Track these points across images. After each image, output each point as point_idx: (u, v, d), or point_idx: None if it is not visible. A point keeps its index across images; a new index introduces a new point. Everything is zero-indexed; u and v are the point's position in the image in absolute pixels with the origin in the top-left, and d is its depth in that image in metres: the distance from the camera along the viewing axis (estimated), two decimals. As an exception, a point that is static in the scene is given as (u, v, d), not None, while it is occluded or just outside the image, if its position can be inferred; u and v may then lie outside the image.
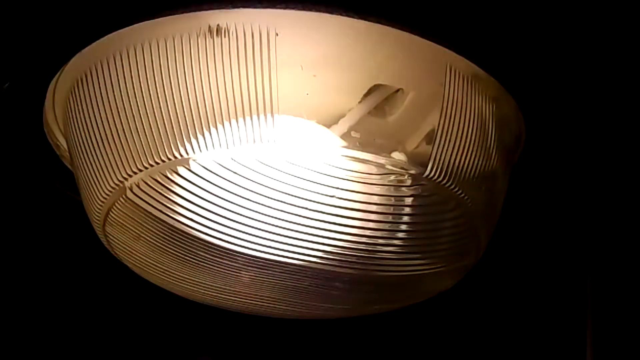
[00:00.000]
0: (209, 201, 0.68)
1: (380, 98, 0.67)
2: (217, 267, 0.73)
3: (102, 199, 0.70)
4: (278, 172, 0.66)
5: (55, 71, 0.70)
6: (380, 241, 0.70)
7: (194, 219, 0.69)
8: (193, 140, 0.64)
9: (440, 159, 0.67)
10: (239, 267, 0.73)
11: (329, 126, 0.66)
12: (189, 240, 0.71)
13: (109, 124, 0.67)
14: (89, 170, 0.69)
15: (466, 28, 0.64)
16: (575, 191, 0.86)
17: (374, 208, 0.69)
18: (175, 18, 0.64)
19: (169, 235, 0.71)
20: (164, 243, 0.72)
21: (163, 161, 0.65)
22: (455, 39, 0.65)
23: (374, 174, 0.67)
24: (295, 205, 0.68)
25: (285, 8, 0.63)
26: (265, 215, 0.68)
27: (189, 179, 0.66)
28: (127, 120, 0.66)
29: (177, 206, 0.68)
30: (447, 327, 1.01)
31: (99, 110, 0.67)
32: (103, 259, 0.80)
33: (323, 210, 0.68)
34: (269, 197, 0.67)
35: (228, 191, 0.67)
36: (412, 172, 0.67)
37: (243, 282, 0.75)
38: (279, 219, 0.68)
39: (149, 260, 0.75)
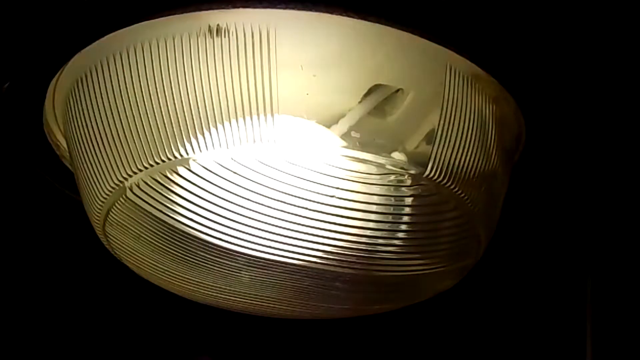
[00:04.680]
0: (209, 201, 0.68)
1: (380, 98, 0.67)
2: (217, 267, 0.73)
3: (102, 199, 0.70)
4: (278, 172, 0.66)
5: (55, 71, 0.70)
6: (380, 241, 0.70)
7: (194, 219, 0.69)
8: (193, 140, 0.64)
9: (440, 159, 0.67)
10: (239, 267, 0.73)
11: (329, 126, 0.66)
12: (189, 240, 0.71)
13: (109, 124, 0.67)
14: (89, 170, 0.69)
15: (466, 28, 0.64)
16: (575, 191, 0.86)
17: (374, 208, 0.69)
18: (175, 18, 0.64)
19: (169, 235, 0.71)
20: (164, 243, 0.72)
21: (163, 161, 0.65)
22: (455, 39, 0.65)
23: (374, 174, 0.67)
24: (295, 205, 0.68)
25: (285, 8, 0.63)
26: (265, 215, 0.68)
27: (189, 179, 0.66)
28: (127, 120, 0.66)
29: (177, 206, 0.68)
30: (447, 327, 1.01)
31: (99, 110, 0.67)
32: (103, 259, 0.80)
33: (323, 210, 0.68)
34: (269, 197, 0.67)
35: (228, 191, 0.67)
36: (412, 172, 0.67)
37: (243, 282, 0.75)
38: (279, 219, 0.68)
39: (149, 260, 0.75)
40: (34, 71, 0.70)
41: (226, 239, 0.70)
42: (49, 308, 1.01)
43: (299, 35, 0.64)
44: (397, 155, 0.67)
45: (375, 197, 0.68)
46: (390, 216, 0.69)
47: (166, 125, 0.65)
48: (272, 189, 0.67)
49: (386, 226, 0.70)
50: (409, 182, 0.68)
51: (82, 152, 0.70)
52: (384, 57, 0.65)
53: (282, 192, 0.67)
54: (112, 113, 0.66)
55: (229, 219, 0.68)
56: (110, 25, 0.65)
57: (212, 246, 0.71)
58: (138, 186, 0.68)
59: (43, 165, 0.79)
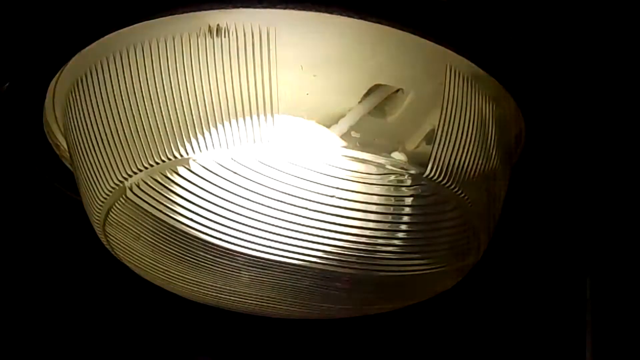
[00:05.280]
0: (209, 201, 0.68)
1: (380, 98, 0.67)
2: (217, 267, 0.73)
3: (102, 199, 0.70)
4: (278, 172, 0.66)
5: (55, 71, 0.70)
6: (380, 241, 0.70)
7: (194, 219, 0.69)
8: (193, 140, 0.64)
9: (440, 159, 0.67)
10: (239, 267, 0.73)
11: (329, 126, 0.66)
12: (189, 240, 0.71)
13: (109, 124, 0.67)
14: (89, 170, 0.69)
15: (466, 28, 0.64)
16: (575, 191, 0.86)
17: (374, 208, 0.69)
18: (175, 18, 0.64)
19: (169, 235, 0.71)
20: (164, 243, 0.72)
21: (163, 161, 0.65)
22: (455, 39, 0.65)
23: (374, 174, 0.67)
24: (295, 205, 0.68)
25: (285, 8, 0.63)
26: (265, 215, 0.68)
27: (189, 179, 0.66)
28: (127, 120, 0.66)
29: (177, 206, 0.68)
30: (447, 327, 1.01)
31: (99, 110, 0.67)
32: (103, 259, 0.80)
33: (323, 210, 0.68)
34: (269, 197, 0.67)
35: (228, 191, 0.67)
36: (412, 172, 0.67)
37: (243, 282, 0.75)
38: (279, 219, 0.68)
39: (149, 260, 0.75)
40: (34, 71, 0.70)
41: (226, 239, 0.70)
42: (49, 308, 1.01)
43: (299, 35, 0.64)
44: (397, 155, 0.67)
45: (375, 197, 0.68)
46: (390, 216, 0.69)
47: (166, 125, 0.65)
48: (272, 189, 0.67)
49: (386, 226, 0.70)
50: (409, 182, 0.68)
51: (82, 152, 0.70)
52: (384, 57, 0.65)
53: (282, 192, 0.67)
54: (112, 113, 0.66)
55: (229, 219, 0.68)
56: (110, 25, 0.65)
57: (212, 246, 0.71)
58: (138, 186, 0.68)
59: (43, 165, 0.79)
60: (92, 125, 0.68)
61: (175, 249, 0.72)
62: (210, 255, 0.72)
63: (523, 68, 0.67)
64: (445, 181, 0.67)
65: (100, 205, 0.70)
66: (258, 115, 0.64)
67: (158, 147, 0.65)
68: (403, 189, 0.68)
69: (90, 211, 0.72)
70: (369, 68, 0.65)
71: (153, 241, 0.72)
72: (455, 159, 0.67)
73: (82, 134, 0.69)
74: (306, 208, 0.68)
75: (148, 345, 1.04)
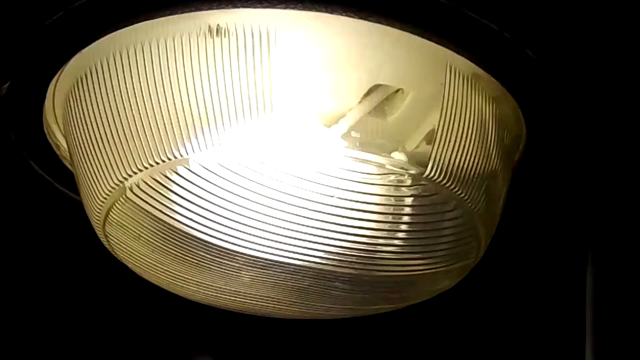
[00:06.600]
0: (208, 201, 0.68)
1: (380, 98, 0.67)
2: (217, 267, 0.73)
3: (102, 199, 0.70)
4: (278, 172, 0.66)
5: (55, 71, 0.70)
6: (380, 241, 0.70)
7: (194, 219, 0.69)
8: (193, 140, 0.64)
9: (440, 159, 0.67)
10: (239, 267, 0.73)
11: (329, 126, 0.66)
12: (189, 240, 0.71)
13: (109, 124, 0.67)
14: (89, 170, 0.70)
15: (466, 28, 0.64)
16: (576, 191, 0.86)
17: (374, 208, 0.69)
18: (175, 18, 0.64)
19: (169, 235, 0.71)
20: (164, 243, 0.72)
21: (163, 161, 0.65)
22: (455, 39, 0.65)
23: (374, 174, 0.67)
24: (295, 205, 0.68)
25: (285, 8, 0.63)
26: (265, 215, 0.68)
27: (188, 179, 0.66)
28: (127, 120, 0.66)
29: (177, 206, 0.68)
30: (447, 327, 1.01)
31: (99, 110, 0.67)
32: (103, 259, 0.80)
33: (323, 210, 0.68)
34: (269, 197, 0.67)
35: (228, 191, 0.67)
36: (412, 172, 0.67)
37: (243, 282, 0.75)
38: (279, 219, 0.68)
39: (149, 260, 0.75)
40: (34, 71, 0.70)
41: (226, 239, 0.70)
42: (49, 308, 1.01)
43: (299, 35, 0.64)
44: (397, 155, 0.67)
45: (375, 197, 0.68)
46: (390, 216, 0.69)
47: (166, 125, 0.65)
48: (272, 189, 0.67)
49: (386, 226, 0.70)
50: (409, 182, 0.68)
51: (82, 152, 0.70)
52: (384, 57, 0.65)
53: (282, 192, 0.67)
54: (112, 113, 0.66)
55: (228, 219, 0.69)
56: (110, 25, 0.65)
57: (212, 246, 0.71)
58: (138, 186, 0.68)
59: (43, 165, 0.79)
60: (92, 125, 0.68)
61: (175, 249, 0.72)
62: (210, 255, 0.72)
63: (523, 68, 0.67)
64: (445, 181, 0.67)
65: (100, 205, 0.70)
66: (258, 115, 0.64)
67: (158, 147, 0.65)
68: (403, 189, 0.68)
69: (90, 211, 0.72)
70: (369, 68, 0.65)
71: (153, 241, 0.72)
72: (455, 159, 0.67)
73: (82, 134, 0.69)
74: (306, 208, 0.68)
75: (148, 345, 1.04)
